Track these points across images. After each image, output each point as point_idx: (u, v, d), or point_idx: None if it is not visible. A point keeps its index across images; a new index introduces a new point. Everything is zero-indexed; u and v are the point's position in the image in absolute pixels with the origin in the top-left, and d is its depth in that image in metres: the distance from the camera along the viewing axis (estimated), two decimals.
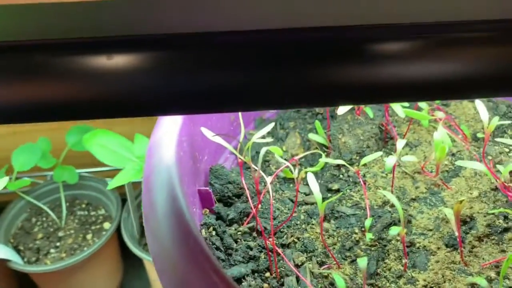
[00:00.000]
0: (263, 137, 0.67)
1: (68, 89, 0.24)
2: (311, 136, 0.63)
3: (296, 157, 0.58)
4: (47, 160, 0.91)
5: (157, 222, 0.37)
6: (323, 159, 0.56)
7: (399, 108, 0.59)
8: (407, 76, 0.26)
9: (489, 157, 0.63)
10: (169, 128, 0.46)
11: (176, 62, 0.24)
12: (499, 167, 0.58)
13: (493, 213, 0.55)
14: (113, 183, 0.68)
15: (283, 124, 0.69)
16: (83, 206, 1.01)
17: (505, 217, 0.54)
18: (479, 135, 0.66)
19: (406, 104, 0.62)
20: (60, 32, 0.24)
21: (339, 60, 0.25)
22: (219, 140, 0.48)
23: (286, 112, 0.72)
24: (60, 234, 0.94)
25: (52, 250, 0.91)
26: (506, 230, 0.53)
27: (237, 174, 0.57)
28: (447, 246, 0.52)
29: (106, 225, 0.94)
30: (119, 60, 0.23)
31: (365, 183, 0.59)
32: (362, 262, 0.42)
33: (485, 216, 0.54)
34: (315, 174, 0.61)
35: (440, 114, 0.64)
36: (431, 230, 0.54)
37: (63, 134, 0.93)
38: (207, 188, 0.53)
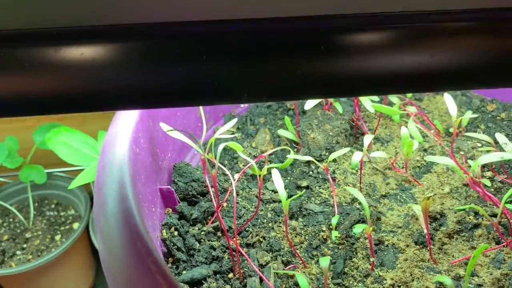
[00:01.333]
0: (232, 132, 0.65)
1: (20, 83, 0.22)
2: (281, 132, 0.62)
3: (265, 154, 0.56)
4: (14, 159, 0.88)
5: (106, 223, 0.35)
6: (291, 156, 0.54)
7: (368, 103, 0.58)
8: (377, 68, 0.25)
9: (461, 152, 0.62)
10: (124, 124, 0.44)
11: (130, 54, 0.22)
12: (470, 162, 0.57)
13: (463, 210, 0.54)
14: (75, 183, 0.66)
15: (253, 120, 0.67)
16: (52, 206, 0.99)
17: (475, 213, 0.53)
18: (452, 130, 0.65)
19: (376, 98, 0.60)
20: (9, 23, 0.22)
21: (305, 52, 0.24)
22: (179, 136, 0.45)
23: (256, 107, 0.70)
24: (27, 235, 0.91)
25: (18, 252, 0.88)
26: (476, 226, 0.52)
27: (203, 172, 0.55)
28: (416, 243, 0.50)
29: (76, 225, 0.92)
30: (70, 52, 0.22)
31: (334, 180, 0.57)
32: (324, 262, 0.40)
33: (455, 213, 0.53)
34: (285, 171, 0.60)
35: (411, 109, 0.63)
36: (400, 227, 0.52)
37: (31, 133, 0.90)
38: (169, 187, 0.51)
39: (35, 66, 0.22)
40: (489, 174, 0.58)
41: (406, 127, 0.60)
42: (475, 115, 0.61)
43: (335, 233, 0.48)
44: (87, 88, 0.23)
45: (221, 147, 0.47)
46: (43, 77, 0.22)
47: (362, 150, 0.61)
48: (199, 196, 0.53)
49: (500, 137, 0.49)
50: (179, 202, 0.52)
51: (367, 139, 0.51)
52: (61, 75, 0.22)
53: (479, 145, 0.62)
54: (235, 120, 0.52)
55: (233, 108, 0.70)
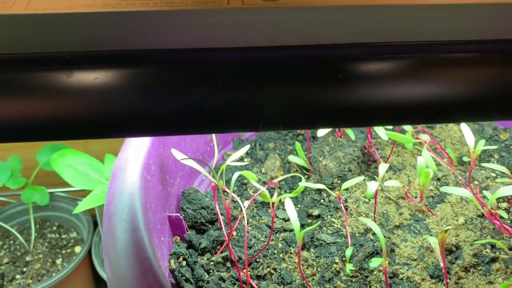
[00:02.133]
0: (241, 159, 0.63)
1: (31, 108, 0.22)
2: (291, 158, 0.60)
3: (275, 180, 0.55)
4: (17, 180, 0.87)
5: (116, 255, 0.34)
6: (303, 183, 0.53)
7: (382, 131, 0.57)
8: (390, 98, 0.24)
9: (475, 182, 0.60)
10: (135, 150, 0.43)
11: (143, 80, 0.22)
12: (485, 193, 0.55)
13: (480, 243, 0.52)
14: (80, 207, 0.65)
15: (263, 145, 0.66)
16: (54, 228, 0.97)
17: (492, 246, 0.51)
18: (465, 158, 0.64)
19: (390, 126, 0.59)
20: (22, 47, 0.21)
21: (317, 81, 0.23)
22: (190, 162, 0.44)
23: (266, 133, 0.69)
24: (28, 258, 0.89)
25: (17, 276, 0.86)
26: (493, 260, 0.50)
27: (212, 199, 0.54)
28: (432, 277, 0.49)
29: (78, 249, 0.90)
30: (83, 77, 0.21)
31: (346, 209, 0.56)
32: None
33: (471, 245, 0.52)
34: (295, 198, 0.58)
35: (424, 137, 0.62)
36: (415, 260, 0.51)
37: (35, 152, 0.89)
38: (178, 214, 0.50)
39: (46, 90, 0.21)
40: (504, 205, 0.57)
41: (420, 155, 0.59)
42: (492, 147, 0.60)
43: (349, 266, 0.47)
44: (98, 114, 0.22)
45: (235, 175, 0.46)
46: (54, 102, 0.22)
47: (374, 179, 0.60)
48: (208, 224, 0.52)
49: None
50: (187, 230, 0.51)
51: (382, 168, 0.50)
52: (73, 100, 0.22)
53: (494, 175, 0.61)
54: (247, 147, 0.51)
55: (242, 133, 0.69)
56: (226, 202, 0.42)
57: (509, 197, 0.56)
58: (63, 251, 0.91)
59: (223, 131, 0.25)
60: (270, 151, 0.65)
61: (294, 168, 0.62)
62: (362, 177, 0.52)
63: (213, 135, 0.52)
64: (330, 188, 0.58)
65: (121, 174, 0.40)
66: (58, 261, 0.89)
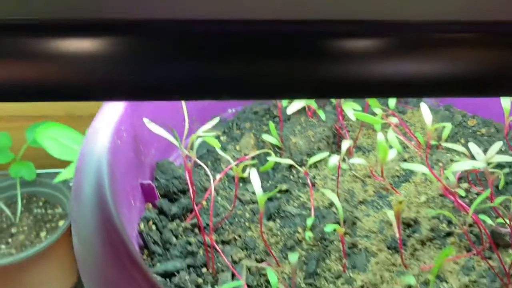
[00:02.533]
0: (217, 136, 0.66)
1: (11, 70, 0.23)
2: (265, 136, 0.63)
3: (247, 156, 0.58)
4: (5, 155, 0.89)
5: (80, 209, 0.36)
6: (272, 158, 0.55)
7: (351, 112, 0.60)
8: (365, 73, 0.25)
9: (440, 164, 0.63)
10: (108, 117, 0.45)
11: (119, 47, 0.23)
12: (448, 174, 0.58)
13: (437, 218, 0.55)
14: (60, 176, 0.67)
15: (239, 125, 0.69)
16: (40, 203, 0.98)
17: (449, 222, 0.54)
18: (434, 142, 0.66)
19: (359, 107, 0.62)
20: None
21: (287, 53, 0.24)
22: (160, 132, 0.47)
23: (243, 113, 0.72)
24: (13, 230, 0.92)
25: (2, 246, 0.88)
26: (448, 234, 0.53)
27: (185, 171, 0.56)
28: (388, 248, 0.51)
29: (61, 223, 0.93)
30: (64, 43, 0.22)
31: (313, 185, 0.59)
32: (293, 257, 0.41)
33: (429, 220, 0.54)
34: (267, 174, 0.61)
35: (393, 120, 0.65)
36: (374, 232, 0.53)
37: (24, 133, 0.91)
38: (150, 182, 0.52)
39: (27, 55, 0.22)
40: (465, 185, 0.59)
41: (379, 133, 0.61)
42: (455, 129, 0.62)
43: (308, 234, 0.49)
44: (74, 78, 0.23)
45: (198, 141, 0.48)
46: (35, 65, 0.23)
47: (344, 159, 0.63)
48: (179, 193, 0.54)
49: (473, 147, 0.50)
50: (159, 198, 0.53)
51: (345, 144, 0.52)
52: (51, 65, 0.23)
53: (458, 158, 0.64)
54: (217, 119, 0.54)
55: (221, 112, 0.71)
56: (189, 165, 0.45)
57: (470, 178, 0.59)
58: (48, 225, 0.93)
59: (192, 99, 0.26)
60: (246, 131, 0.67)
61: (267, 146, 0.64)
62: (327, 153, 0.55)
63: (184, 108, 0.54)
64: (299, 165, 0.60)
65: (92, 137, 0.42)
66: (42, 234, 0.91)
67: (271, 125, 0.62)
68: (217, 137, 0.67)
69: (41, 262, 0.86)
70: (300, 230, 0.53)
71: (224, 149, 0.64)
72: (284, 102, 0.61)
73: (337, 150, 0.65)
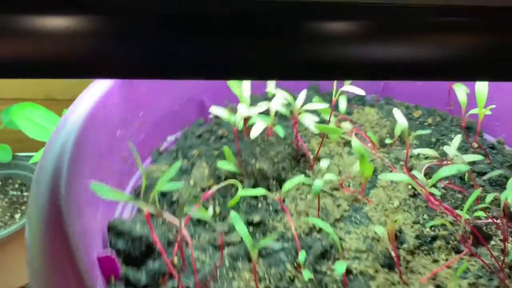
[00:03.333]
0: (168, 176, 0.58)
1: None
2: (221, 164, 0.56)
3: (209, 192, 0.50)
4: None
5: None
6: (241, 193, 0.49)
7: (311, 123, 0.55)
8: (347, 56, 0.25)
9: (401, 163, 0.62)
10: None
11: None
12: (416, 173, 0.57)
13: (418, 222, 0.53)
14: (36, 157, 0.65)
15: (186, 153, 0.61)
16: (16, 186, 0.99)
17: (431, 226, 0.53)
18: (387, 141, 0.65)
19: (315, 118, 0.58)
20: None
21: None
22: (108, 194, 0.38)
23: (185, 140, 0.64)
24: None
25: None
26: (434, 238, 0.51)
27: (143, 225, 0.47)
28: (383, 266, 0.48)
29: None
30: (45, 21, 0.22)
31: (286, 210, 0.54)
32: None
33: (412, 227, 0.53)
34: (230, 207, 0.54)
35: (347, 125, 0.62)
36: (363, 251, 0.50)
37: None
38: (108, 253, 0.43)
39: (16, 32, 0.22)
40: (431, 181, 0.59)
41: (344, 143, 0.58)
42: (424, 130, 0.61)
43: (307, 273, 0.44)
44: (58, 54, 0.22)
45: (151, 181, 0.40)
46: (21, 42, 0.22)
47: (305, 173, 0.59)
48: (143, 256, 0.46)
49: (397, 112, 0.49)
50: (121, 268, 0.44)
51: (324, 163, 0.48)
52: (35, 41, 0.22)
53: (416, 153, 0.63)
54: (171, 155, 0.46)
55: (160, 142, 0.63)
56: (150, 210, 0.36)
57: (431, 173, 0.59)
58: (23, 207, 0.93)
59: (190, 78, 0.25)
60: (196, 159, 0.60)
61: (224, 174, 0.58)
62: (301, 177, 0.50)
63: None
64: (269, 191, 0.55)
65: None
66: (17, 216, 0.92)
67: (227, 150, 0.56)
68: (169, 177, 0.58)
69: (15, 243, 0.86)
70: (289, 267, 0.47)
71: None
72: (240, 124, 0.55)
73: (297, 165, 0.60)
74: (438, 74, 0.27)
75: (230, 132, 0.65)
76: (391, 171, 0.60)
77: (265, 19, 0.23)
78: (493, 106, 0.57)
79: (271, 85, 0.58)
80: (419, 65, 0.26)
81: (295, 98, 0.56)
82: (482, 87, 0.54)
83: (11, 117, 0.74)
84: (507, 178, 0.59)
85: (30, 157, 0.90)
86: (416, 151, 0.55)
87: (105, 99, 0.49)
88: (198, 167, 0.58)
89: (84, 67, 0.23)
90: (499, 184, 0.58)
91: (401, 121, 0.50)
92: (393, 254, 0.48)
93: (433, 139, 0.64)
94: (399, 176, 0.48)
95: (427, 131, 0.61)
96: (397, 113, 0.51)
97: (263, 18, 0.23)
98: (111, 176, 0.51)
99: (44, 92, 0.96)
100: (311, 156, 0.60)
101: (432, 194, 0.55)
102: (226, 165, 0.56)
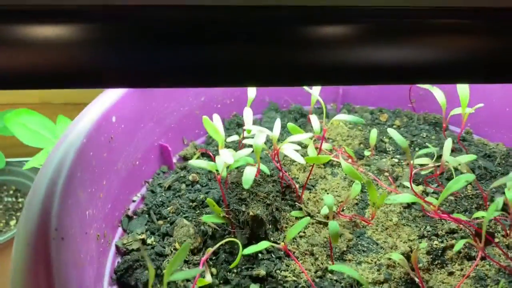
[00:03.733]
0: (142, 241, 0.50)
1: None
2: (207, 218, 0.50)
3: (203, 258, 0.44)
4: None
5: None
6: (245, 251, 0.43)
7: (296, 155, 0.51)
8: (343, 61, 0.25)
9: (386, 174, 0.60)
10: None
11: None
12: (406, 183, 0.55)
13: (422, 235, 0.52)
14: (30, 163, 0.66)
15: (160, 213, 0.54)
16: (11, 192, 0.97)
17: (437, 235, 0.51)
18: (366, 152, 0.63)
19: (297, 146, 0.53)
20: None
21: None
22: None
23: (154, 195, 0.56)
24: None
25: None
26: (444, 250, 0.50)
27: None
28: None
29: None
30: (41, 30, 0.22)
31: (289, 255, 0.49)
32: None
33: (420, 243, 0.51)
34: (231, 269, 0.48)
35: (326, 146, 0.59)
36: (383, 282, 0.47)
37: None
38: None
39: (14, 42, 0.22)
40: (420, 188, 0.57)
41: (325, 165, 0.55)
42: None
43: None
44: (55, 65, 0.23)
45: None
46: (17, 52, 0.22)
47: (294, 205, 0.54)
48: None
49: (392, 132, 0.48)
50: None
51: (329, 199, 0.44)
52: (31, 51, 0.22)
53: (396, 160, 0.62)
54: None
55: (127, 205, 0.55)
56: None
57: (426, 180, 0.57)
58: (18, 214, 0.92)
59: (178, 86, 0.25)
60: (174, 217, 0.53)
61: (211, 228, 0.51)
62: (308, 218, 0.45)
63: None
64: (272, 241, 0.49)
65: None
66: (12, 223, 0.91)
67: (210, 202, 0.49)
68: (144, 242, 0.51)
69: (11, 250, 0.76)
70: None
71: (159, 256, 0.49)
72: (224, 172, 0.49)
73: (283, 198, 0.56)
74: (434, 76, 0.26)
75: (201, 175, 0.59)
76: (377, 184, 0.58)
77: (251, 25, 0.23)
78: (481, 105, 0.57)
79: (248, 122, 0.53)
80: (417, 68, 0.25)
81: (269, 128, 0.51)
82: (463, 88, 0.54)
83: (6, 124, 0.74)
84: (486, 169, 0.59)
85: (24, 162, 0.92)
86: (417, 161, 0.53)
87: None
88: (180, 226, 0.51)
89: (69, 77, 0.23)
90: (482, 178, 0.58)
91: (401, 142, 0.47)
92: (417, 280, 0.45)
93: (408, 142, 0.63)
94: (408, 197, 0.46)
95: (360, 120, 0.58)
96: (393, 132, 0.48)
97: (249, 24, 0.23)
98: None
99: (39, 97, 0.95)
100: (297, 185, 0.56)
101: (430, 203, 0.53)
102: (213, 219, 0.50)
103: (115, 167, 0.51)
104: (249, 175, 0.45)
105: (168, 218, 0.53)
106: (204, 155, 0.61)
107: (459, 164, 0.47)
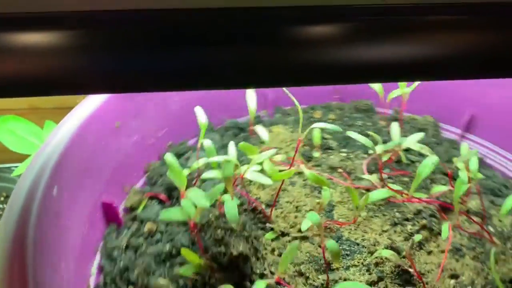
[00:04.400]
0: None
1: None
2: (185, 271, 0.45)
3: None
4: None
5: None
6: None
7: (260, 177, 0.48)
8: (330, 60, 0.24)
9: (340, 170, 0.60)
10: None
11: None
12: (366, 176, 0.56)
13: (396, 224, 0.53)
14: (18, 170, 0.66)
15: (128, 280, 0.47)
16: (2, 199, 0.98)
17: (407, 220, 0.53)
18: (315, 153, 0.62)
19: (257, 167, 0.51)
20: None
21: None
22: None
23: (113, 262, 0.49)
24: None
25: None
26: (418, 232, 0.51)
27: None
28: (404, 286, 0.47)
29: None
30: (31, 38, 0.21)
31: (283, 281, 0.47)
32: None
33: (395, 232, 0.52)
34: None
35: (279, 158, 0.57)
36: (377, 281, 0.47)
37: None
38: None
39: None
40: (375, 176, 0.58)
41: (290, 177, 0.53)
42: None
43: None
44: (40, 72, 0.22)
45: None
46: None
47: (263, 228, 0.52)
48: None
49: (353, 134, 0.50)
50: None
51: (313, 216, 0.43)
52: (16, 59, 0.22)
53: (344, 155, 0.62)
54: None
55: (86, 283, 0.47)
56: None
57: (374, 168, 0.59)
58: None
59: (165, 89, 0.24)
60: (147, 279, 0.47)
61: (189, 279, 0.47)
62: (294, 244, 0.43)
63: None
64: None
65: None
66: None
67: (185, 252, 0.45)
68: None
69: None
70: None
71: None
72: (198, 218, 0.44)
73: (262, 229, 0.53)
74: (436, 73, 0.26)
75: (156, 222, 0.53)
76: (333, 183, 0.58)
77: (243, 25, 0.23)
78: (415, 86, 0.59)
79: (210, 152, 0.49)
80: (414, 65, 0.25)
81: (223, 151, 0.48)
82: None
83: None
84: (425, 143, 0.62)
85: (13, 168, 0.91)
86: (370, 151, 0.53)
87: None
88: (156, 286, 0.46)
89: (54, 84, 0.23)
90: (421, 154, 0.61)
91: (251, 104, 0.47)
92: (411, 270, 0.46)
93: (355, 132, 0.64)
94: (386, 192, 0.46)
95: (338, 128, 0.59)
96: (354, 134, 0.48)
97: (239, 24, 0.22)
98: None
99: (27, 102, 0.96)
100: (263, 206, 0.53)
101: (404, 193, 0.54)
102: (191, 269, 0.46)
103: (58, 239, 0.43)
104: (232, 209, 0.42)
105: (139, 283, 0.47)
106: (153, 198, 0.56)
107: (422, 148, 0.49)
